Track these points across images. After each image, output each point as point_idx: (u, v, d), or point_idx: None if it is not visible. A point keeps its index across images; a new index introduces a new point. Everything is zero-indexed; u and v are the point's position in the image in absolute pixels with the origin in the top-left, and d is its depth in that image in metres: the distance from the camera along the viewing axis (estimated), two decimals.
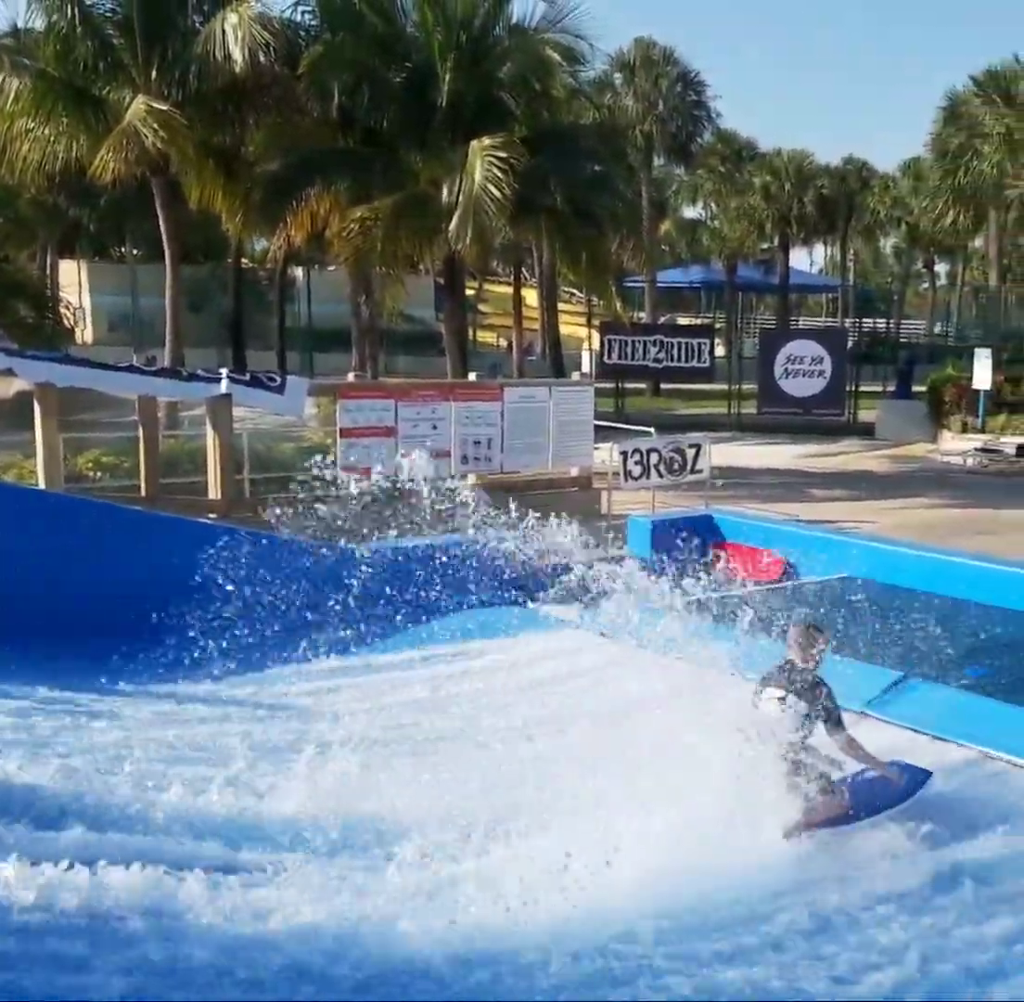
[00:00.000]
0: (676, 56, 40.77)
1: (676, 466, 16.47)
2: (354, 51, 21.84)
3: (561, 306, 42.60)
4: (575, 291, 52.12)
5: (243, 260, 33.83)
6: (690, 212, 55.09)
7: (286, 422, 17.69)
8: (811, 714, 6.57)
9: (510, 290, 47.00)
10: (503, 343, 44.94)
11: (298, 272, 38.35)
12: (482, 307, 49.29)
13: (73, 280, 33.60)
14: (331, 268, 37.32)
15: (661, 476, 16.25)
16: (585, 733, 7.41)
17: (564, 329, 42.16)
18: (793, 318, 52.49)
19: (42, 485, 11.78)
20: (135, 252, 35.29)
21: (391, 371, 30.26)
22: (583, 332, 47.25)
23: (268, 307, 36.06)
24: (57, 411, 12.19)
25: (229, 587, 9.58)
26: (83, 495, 12.00)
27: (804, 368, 28.30)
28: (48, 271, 29.50)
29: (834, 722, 6.70)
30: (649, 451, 16.26)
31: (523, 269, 42.17)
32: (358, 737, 6.89)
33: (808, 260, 65.83)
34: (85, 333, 21.00)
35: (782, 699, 6.60)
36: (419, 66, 22.29)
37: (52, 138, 19.19)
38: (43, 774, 6.09)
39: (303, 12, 22.96)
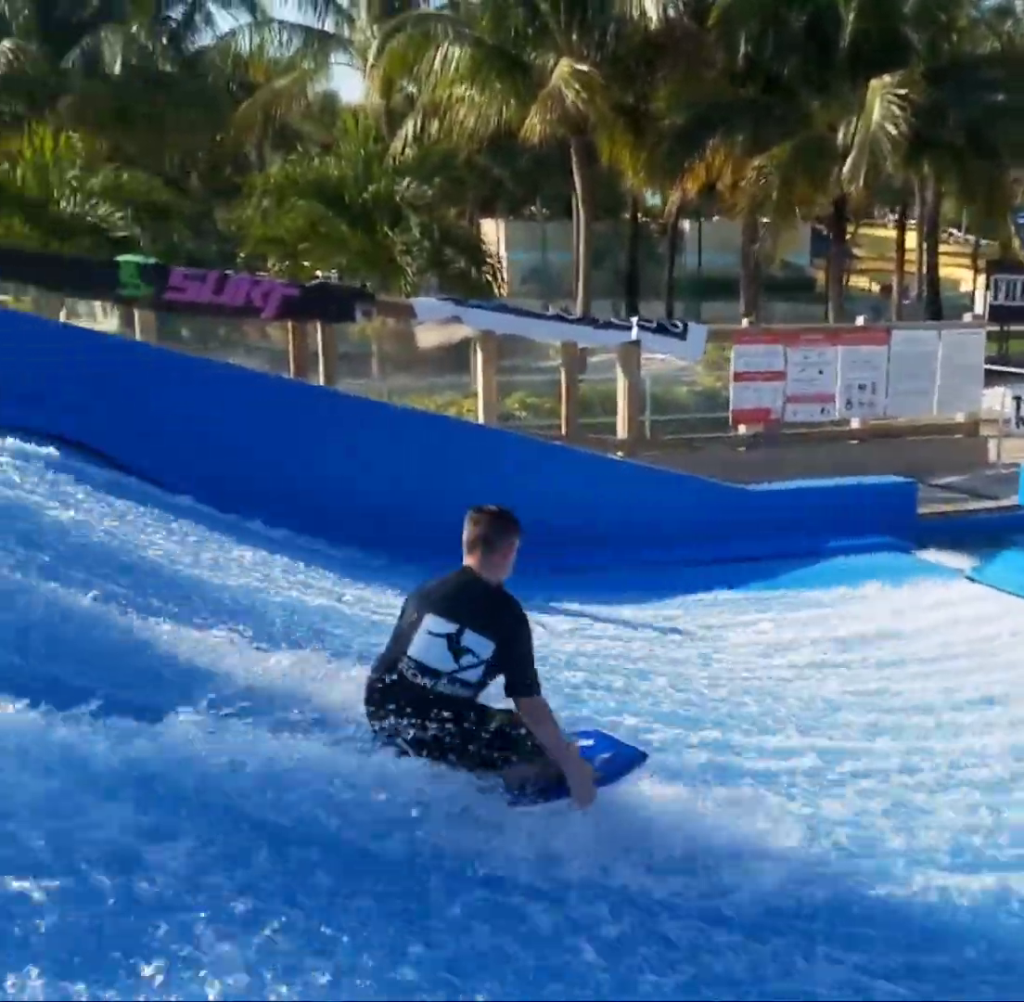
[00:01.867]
0: None
1: None
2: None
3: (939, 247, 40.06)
4: (954, 231, 48.75)
5: (639, 215, 34.27)
6: None
7: (681, 367, 18.04)
8: (497, 662, 4.00)
9: (883, 233, 44.73)
10: (876, 287, 42.94)
11: (685, 224, 38.39)
12: (856, 251, 47.22)
13: (492, 237, 35.33)
14: (716, 219, 37.14)
15: None
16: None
17: (941, 271, 39.68)
18: None
19: (481, 422, 12.68)
20: (545, 211, 36.54)
21: (767, 317, 29.86)
22: (959, 273, 44.31)
23: (658, 259, 36.33)
24: (496, 356, 13.05)
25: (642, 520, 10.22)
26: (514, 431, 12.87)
27: None
28: (473, 228, 31.28)
29: (523, 677, 4.02)
30: None
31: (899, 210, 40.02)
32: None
33: None
34: (502, 286, 22.22)
35: (452, 639, 3.99)
36: (822, 9, 21.78)
37: (485, 103, 20.28)
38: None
39: None
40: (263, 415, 9.07)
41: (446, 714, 3.93)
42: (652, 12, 20.22)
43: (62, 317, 16.51)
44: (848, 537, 10.65)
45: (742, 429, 16.01)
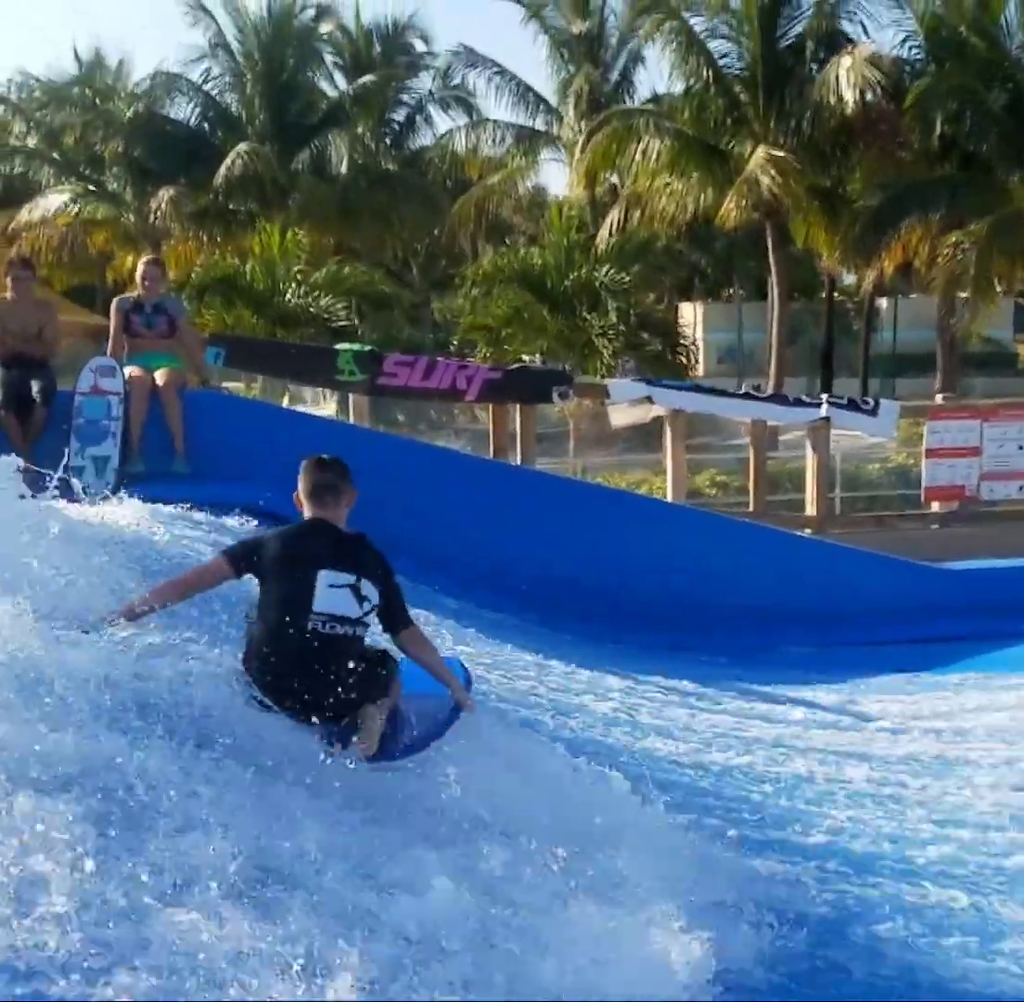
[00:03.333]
0: None
1: None
2: (959, 78, 21.24)
3: None
4: None
5: (834, 294, 33.86)
6: None
7: (872, 443, 17.60)
8: (381, 605, 4.03)
9: None
10: None
11: (881, 302, 37.70)
12: None
13: (690, 319, 35.61)
14: (912, 296, 36.31)
15: None
16: None
17: None
18: None
19: (670, 499, 12.66)
20: (741, 293, 36.59)
21: (965, 393, 28.79)
22: None
23: (853, 336, 35.77)
24: (685, 435, 13.06)
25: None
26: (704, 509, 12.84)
27: None
28: (670, 312, 31.60)
29: (406, 611, 4.16)
30: None
31: None
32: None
33: None
34: (698, 367, 22.38)
35: (355, 587, 3.94)
36: (1022, 86, 21.23)
37: (683, 191, 20.62)
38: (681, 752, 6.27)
39: (910, 46, 22.72)
40: (456, 490, 9.32)
41: (367, 658, 3.97)
42: (849, 96, 20.22)
43: (285, 402, 17.50)
44: None
45: (935, 506, 15.47)
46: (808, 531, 13.19)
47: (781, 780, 5.90)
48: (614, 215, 21.56)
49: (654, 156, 20.74)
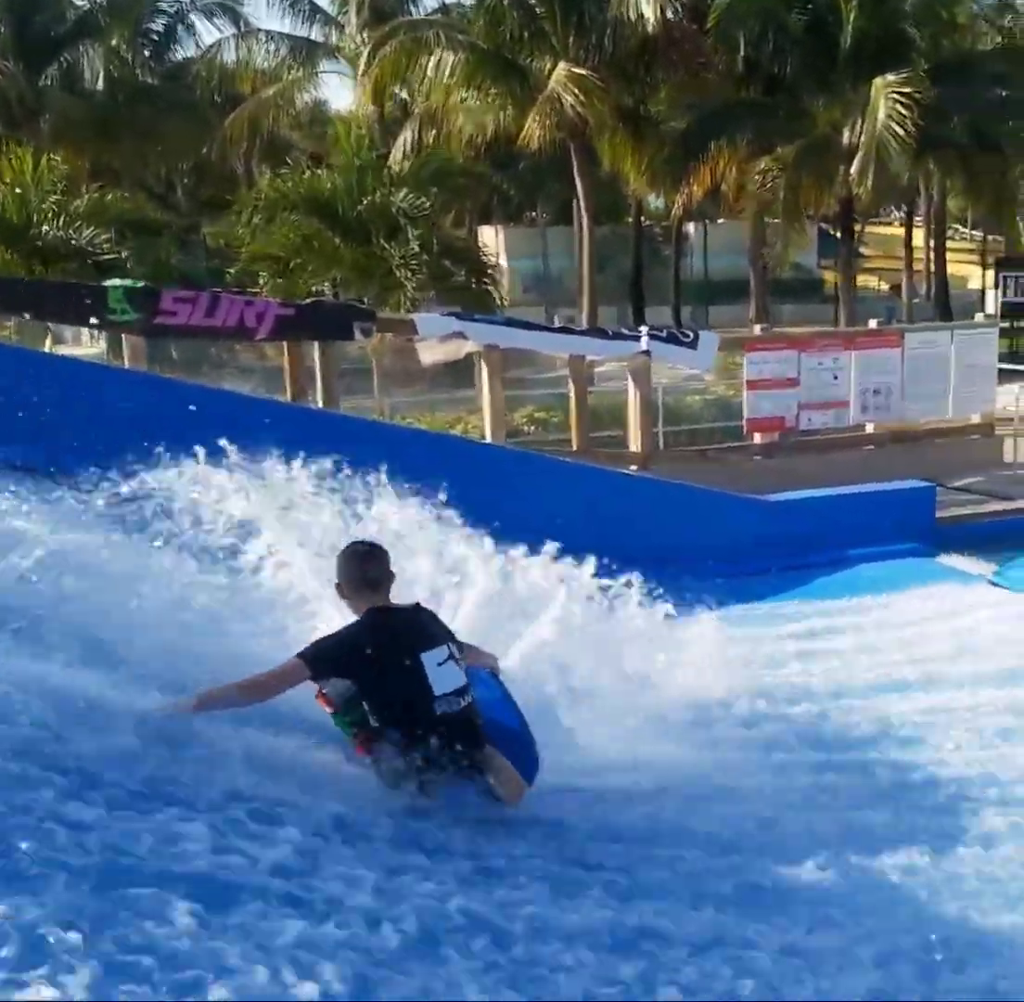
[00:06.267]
0: None
1: None
2: None
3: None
4: (959, 227, 48.77)
5: (642, 218, 34.16)
6: None
7: (691, 375, 17.80)
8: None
9: (890, 231, 44.55)
10: (884, 286, 42.83)
11: (689, 227, 38.35)
12: (863, 250, 47.15)
13: (491, 244, 35.09)
14: (721, 221, 37.05)
15: None
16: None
17: (949, 268, 39.65)
18: None
19: (488, 439, 12.45)
20: (545, 216, 36.46)
21: (774, 320, 29.71)
22: (967, 270, 44.14)
23: (663, 262, 36.25)
24: (501, 370, 12.83)
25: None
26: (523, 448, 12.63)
27: None
28: (470, 237, 31.08)
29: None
30: None
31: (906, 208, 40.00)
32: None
33: None
34: (503, 297, 21.67)
35: (452, 657, 4.34)
36: (822, 8, 21.78)
37: (482, 109, 20.16)
38: None
39: None
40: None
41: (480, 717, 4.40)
42: (649, 13, 20.16)
43: (47, 344, 16.29)
44: (868, 545, 10.40)
45: (757, 437, 15.75)
46: (634, 467, 13.24)
47: None
48: (407, 134, 20.92)
49: (448, 70, 20.18)
